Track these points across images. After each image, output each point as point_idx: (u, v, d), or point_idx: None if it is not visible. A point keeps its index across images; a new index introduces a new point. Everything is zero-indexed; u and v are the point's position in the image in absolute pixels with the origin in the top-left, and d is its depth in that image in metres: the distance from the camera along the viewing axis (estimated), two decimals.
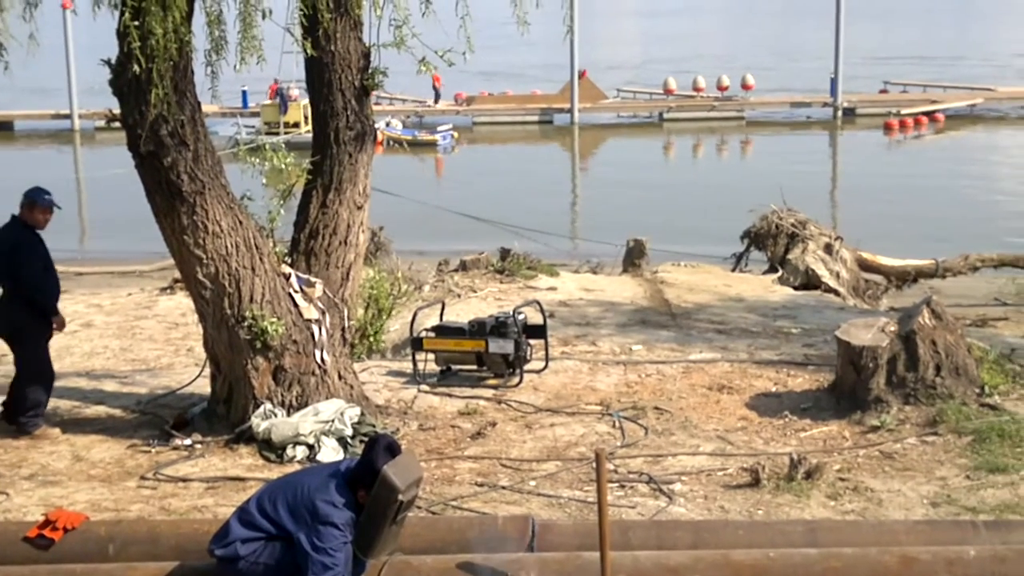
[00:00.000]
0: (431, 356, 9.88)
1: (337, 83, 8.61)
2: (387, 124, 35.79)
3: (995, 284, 16.96)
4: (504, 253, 14.90)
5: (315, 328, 8.46)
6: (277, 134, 32.19)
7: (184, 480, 7.70)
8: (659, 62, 58.50)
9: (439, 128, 37.46)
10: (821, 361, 10.08)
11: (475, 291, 13.49)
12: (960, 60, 57.05)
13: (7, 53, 8.14)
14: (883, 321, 9.19)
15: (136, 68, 7.21)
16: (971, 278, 17.01)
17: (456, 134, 37.58)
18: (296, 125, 33.44)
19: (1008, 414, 8.19)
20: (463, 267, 14.71)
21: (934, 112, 38.89)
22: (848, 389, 8.86)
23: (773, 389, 9.44)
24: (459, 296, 13.21)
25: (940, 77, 46.39)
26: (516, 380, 9.60)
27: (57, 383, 8.93)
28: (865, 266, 16.58)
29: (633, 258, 16.11)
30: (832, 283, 15.37)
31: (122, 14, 7.29)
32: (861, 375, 8.72)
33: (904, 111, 38.59)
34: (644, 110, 42.46)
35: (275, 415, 8.21)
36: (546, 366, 9.88)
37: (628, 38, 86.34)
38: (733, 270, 16.58)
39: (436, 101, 41.58)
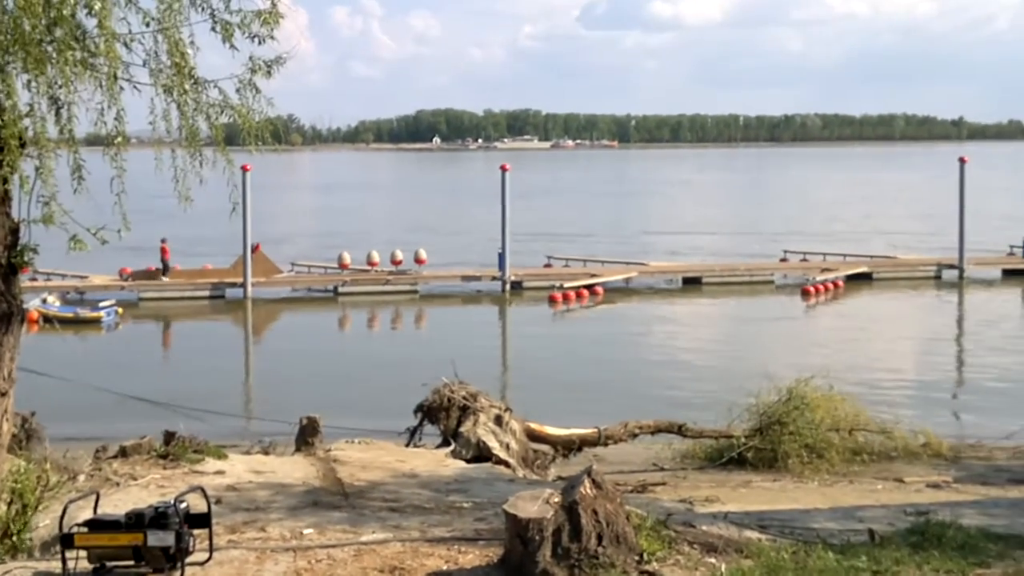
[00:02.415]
0: (84, 553, 9.14)
1: None
2: (43, 301, 34.02)
3: (653, 450, 17.86)
4: (168, 436, 14.20)
5: None
6: None
7: None
8: (334, 235, 59.31)
9: (102, 304, 35.91)
10: (491, 535, 10.14)
11: (136, 479, 12.71)
12: (615, 237, 61.46)
13: None
14: (548, 492, 9.40)
15: None
16: (631, 445, 17.84)
17: (120, 310, 36.13)
18: None
19: None
20: (123, 453, 13.86)
21: (594, 285, 41.36)
22: (517, 563, 8.93)
23: (444, 567, 9.37)
24: (118, 485, 12.39)
25: (598, 252, 49.62)
26: (177, 574, 9.03)
27: None
28: (533, 436, 17.05)
29: (306, 436, 15.78)
30: (502, 455, 15.66)
31: None
32: (528, 548, 8.83)
33: (567, 284, 40.79)
34: (319, 284, 42.61)
35: None
36: (210, 558, 9.37)
37: (303, 211, 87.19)
38: (407, 445, 16.58)
39: (165, 273, 40.33)
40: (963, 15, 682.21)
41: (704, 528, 10.12)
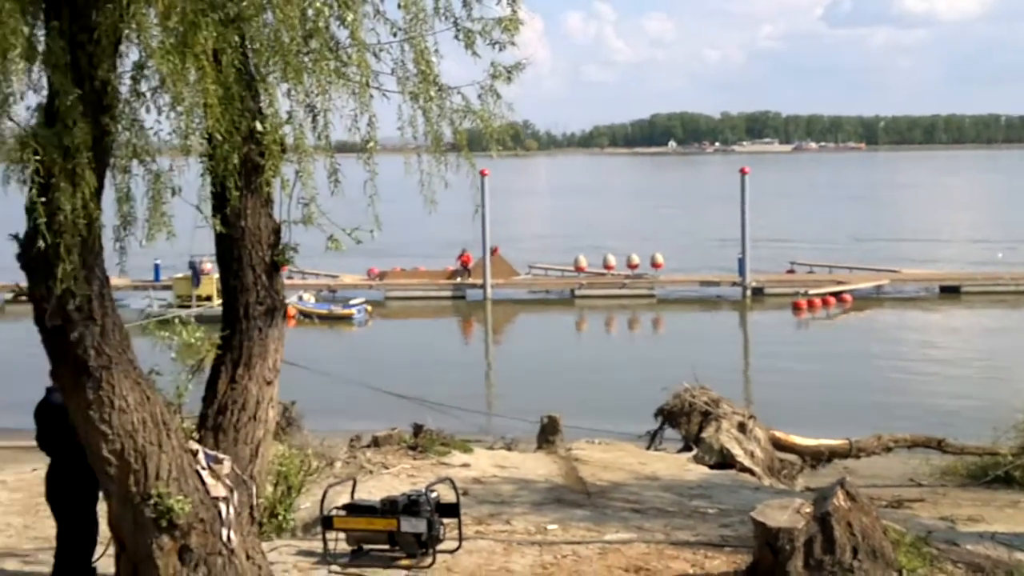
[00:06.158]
0: (342, 535, 9.54)
1: (247, 259, 8.49)
2: (300, 298, 35.84)
3: (910, 464, 17.04)
4: (417, 429, 14.67)
5: (222, 506, 8.11)
6: (189, 307, 31.91)
7: None
8: (570, 239, 59.76)
9: (352, 302, 37.57)
10: (738, 542, 9.94)
11: (387, 468, 13.20)
12: (862, 243, 59.19)
13: None
14: (798, 502, 9.11)
15: (42, 243, 7.05)
16: (885, 458, 17.09)
17: (370, 308, 37.64)
18: (208, 298, 33.19)
19: None
20: (375, 443, 14.42)
21: (841, 293, 39.96)
22: (766, 571, 8.68)
23: (691, 571, 9.25)
24: (371, 473, 12.90)
25: (843, 258, 47.93)
26: (429, 560, 9.29)
27: None
28: (779, 445, 16.61)
29: (547, 435, 15.96)
30: (747, 462, 15.34)
31: (30, 190, 7.16)
32: (779, 557, 8.57)
33: (812, 291, 39.61)
34: (555, 287, 43.03)
35: None
36: (459, 546, 9.59)
37: (539, 215, 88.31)
38: (648, 448, 16.50)
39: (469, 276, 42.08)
40: None
41: (969, 547, 9.58)
